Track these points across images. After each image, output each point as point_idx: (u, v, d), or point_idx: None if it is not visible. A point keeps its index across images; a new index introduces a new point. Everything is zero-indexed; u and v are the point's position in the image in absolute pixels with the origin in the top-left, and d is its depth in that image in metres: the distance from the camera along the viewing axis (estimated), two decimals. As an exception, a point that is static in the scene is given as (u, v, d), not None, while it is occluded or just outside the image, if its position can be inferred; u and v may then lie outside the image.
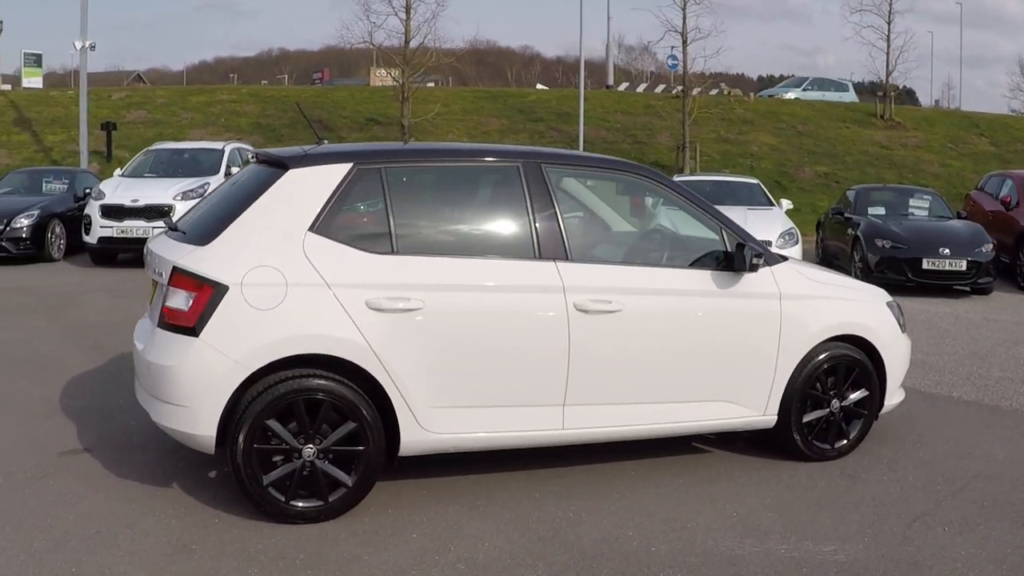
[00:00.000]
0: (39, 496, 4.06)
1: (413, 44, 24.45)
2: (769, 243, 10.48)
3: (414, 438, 3.91)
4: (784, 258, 4.81)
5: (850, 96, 36.93)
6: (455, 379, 3.92)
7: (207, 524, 3.79)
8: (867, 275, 10.85)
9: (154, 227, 12.27)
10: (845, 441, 4.77)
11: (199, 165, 14.21)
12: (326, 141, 4.53)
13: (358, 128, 29.33)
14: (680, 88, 23.93)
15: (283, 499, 3.75)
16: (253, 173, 4.13)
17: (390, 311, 3.79)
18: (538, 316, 4.01)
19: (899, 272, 10.54)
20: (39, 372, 6.20)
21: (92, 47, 20.32)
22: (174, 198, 12.70)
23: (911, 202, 12.19)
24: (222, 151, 14.42)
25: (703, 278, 4.35)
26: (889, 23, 26.35)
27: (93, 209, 12.51)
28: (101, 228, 12.42)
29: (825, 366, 4.64)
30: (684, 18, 22.53)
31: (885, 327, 4.83)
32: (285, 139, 26.19)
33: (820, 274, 4.82)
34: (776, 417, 4.58)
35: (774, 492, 4.28)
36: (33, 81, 40.67)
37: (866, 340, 4.73)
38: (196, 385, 3.66)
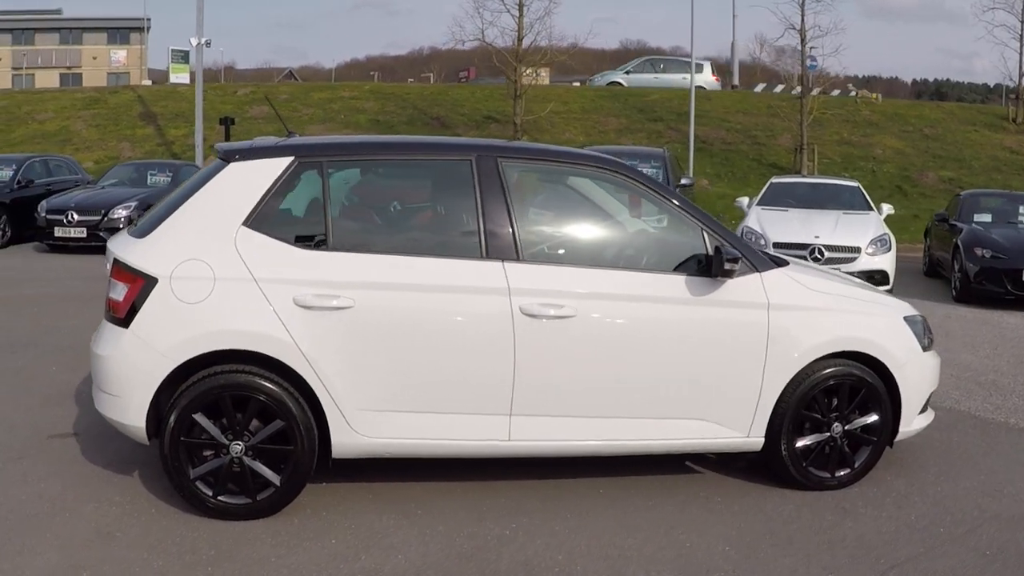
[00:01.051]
0: (6, 476, 4.18)
1: (526, 42, 24.46)
2: (858, 249, 9.80)
3: (345, 440, 3.77)
4: (783, 262, 4.38)
5: (704, 78, 30.53)
6: (389, 382, 3.76)
7: (141, 513, 3.79)
8: (966, 286, 9.93)
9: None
10: (848, 470, 4.29)
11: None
12: (296, 134, 4.46)
13: (474, 126, 29.68)
14: (798, 87, 22.79)
15: (210, 494, 3.70)
16: (208, 167, 4.12)
17: (318, 309, 3.67)
18: (480, 319, 3.78)
19: (998, 284, 9.54)
20: (73, 358, 6.45)
21: (208, 44, 21.45)
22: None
23: (1022, 209, 11.03)
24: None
25: (676, 284, 3.99)
26: (1023, 21, 24.09)
27: None
28: None
29: (825, 385, 4.18)
30: (803, 16, 21.46)
31: (899, 344, 4.31)
32: (396, 133, 26.81)
33: (823, 283, 4.34)
34: (763, 440, 4.16)
35: (746, 523, 3.87)
36: (180, 77, 42.98)
37: (875, 358, 4.24)
38: (126, 375, 3.67)
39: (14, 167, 14.31)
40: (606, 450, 4.04)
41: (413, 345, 3.75)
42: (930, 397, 4.59)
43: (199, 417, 3.65)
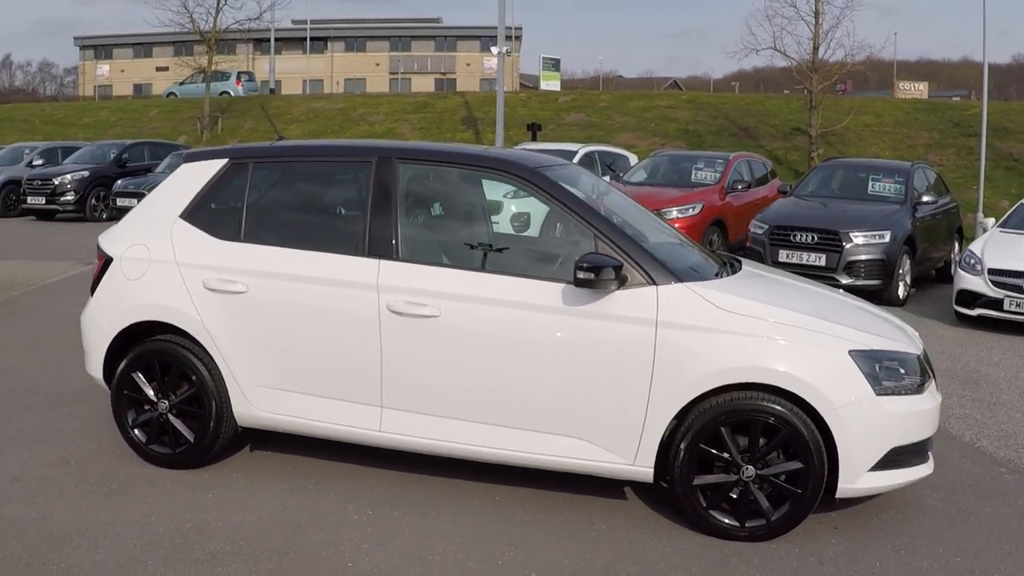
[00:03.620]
0: (53, 412, 5.14)
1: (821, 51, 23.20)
2: None
3: (243, 411, 4.22)
4: (705, 276, 3.95)
5: (226, 86, 37.70)
6: (276, 362, 4.12)
7: (106, 452, 4.53)
8: None
9: (484, 222, 13.80)
10: (763, 522, 3.75)
11: (546, 165, 15.44)
12: (285, 138, 4.98)
13: (781, 137, 28.75)
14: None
15: (144, 441, 4.36)
16: None
17: (220, 292, 4.15)
18: (351, 313, 3.98)
19: None
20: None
21: (508, 52, 23.16)
22: (504, 196, 13.87)
23: None
24: (574, 153, 15.42)
25: (550, 291, 3.81)
26: None
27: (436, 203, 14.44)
28: None
29: (732, 420, 3.71)
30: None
31: (834, 382, 3.65)
32: (705, 144, 26.74)
33: (745, 304, 3.78)
34: (652, 470, 3.81)
35: (590, 556, 3.58)
36: (551, 84, 45.64)
37: (799, 396, 3.65)
38: (90, 335, 4.47)
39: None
40: (476, 455, 4.00)
41: (295, 331, 4.07)
42: (910, 450, 3.81)
43: (136, 376, 4.34)
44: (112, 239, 4.50)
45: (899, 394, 3.76)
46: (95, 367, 4.48)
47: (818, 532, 3.88)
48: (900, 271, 9.63)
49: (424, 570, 3.44)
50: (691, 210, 11.83)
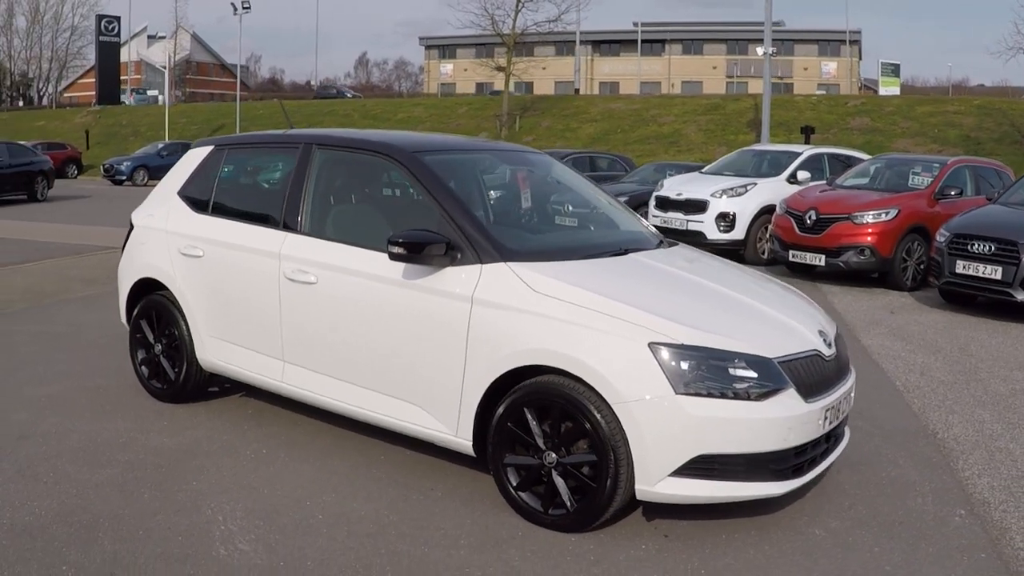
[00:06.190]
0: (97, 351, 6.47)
1: None
2: None
3: (201, 356, 5.05)
4: (585, 256, 4.09)
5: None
6: (218, 317, 4.90)
7: (123, 383, 5.56)
8: None
9: (690, 220, 13.60)
10: (564, 511, 3.72)
11: (770, 166, 14.76)
12: (295, 127, 5.69)
13: None
14: None
15: (147, 375, 5.38)
16: None
17: (188, 256, 5.02)
18: (262, 278, 4.62)
19: None
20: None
21: (774, 53, 22.45)
22: (712, 194, 13.60)
23: None
24: (798, 155, 14.63)
25: (391, 264, 4.09)
26: None
27: (652, 199, 14.50)
28: (652, 216, 14.26)
29: (536, 402, 3.74)
30: None
31: (627, 374, 3.51)
32: (981, 151, 23.87)
33: (556, 285, 3.73)
34: (471, 443, 3.95)
35: (382, 515, 3.85)
36: (890, 89, 42.94)
37: (590, 385, 3.57)
38: (120, 286, 5.59)
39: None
40: (349, 413, 4.41)
41: (230, 291, 4.83)
42: (737, 460, 3.53)
43: (142, 322, 5.36)
44: (138, 210, 5.60)
45: (718, 396, 3.49)
46: (122, 314, 5.60)
47: (643, 535, 3.74)
48: (1095, 291, 7.98)
49: (236, 496, 3.97)
50: (884, 215, 10.83)
